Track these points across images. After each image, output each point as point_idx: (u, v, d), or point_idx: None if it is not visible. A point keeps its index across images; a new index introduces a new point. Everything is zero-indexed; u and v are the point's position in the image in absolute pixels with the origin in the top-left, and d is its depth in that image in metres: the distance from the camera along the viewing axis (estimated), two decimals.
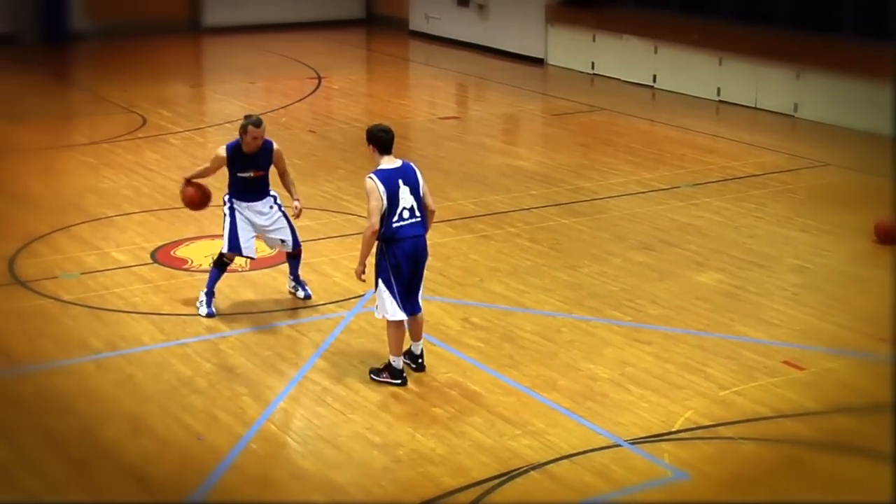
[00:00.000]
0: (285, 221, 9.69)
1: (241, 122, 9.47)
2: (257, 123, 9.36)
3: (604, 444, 7.57)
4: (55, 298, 9.86)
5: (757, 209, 12.77)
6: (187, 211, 10.32)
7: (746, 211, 12.70)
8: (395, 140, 8.35)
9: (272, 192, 9.75)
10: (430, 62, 21.88)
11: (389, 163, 8.22)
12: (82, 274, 10.43)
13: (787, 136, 16.37)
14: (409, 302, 8.31)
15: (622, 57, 19.92)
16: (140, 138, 15.44)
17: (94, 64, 21.96)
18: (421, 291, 8.44)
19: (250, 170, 9.48)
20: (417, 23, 24.17)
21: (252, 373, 8.56)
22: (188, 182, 9.81)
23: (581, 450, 7.48)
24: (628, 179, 13.88)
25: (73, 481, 7.12)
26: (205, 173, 9.79)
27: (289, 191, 9.82)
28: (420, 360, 8.57)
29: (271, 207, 9.69)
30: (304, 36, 23.86)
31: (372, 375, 8.44)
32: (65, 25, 22.69)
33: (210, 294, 9.58)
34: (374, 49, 24.06)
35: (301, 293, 9.94)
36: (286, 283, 10.09)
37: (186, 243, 11.28)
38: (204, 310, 9.53)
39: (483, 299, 10.00)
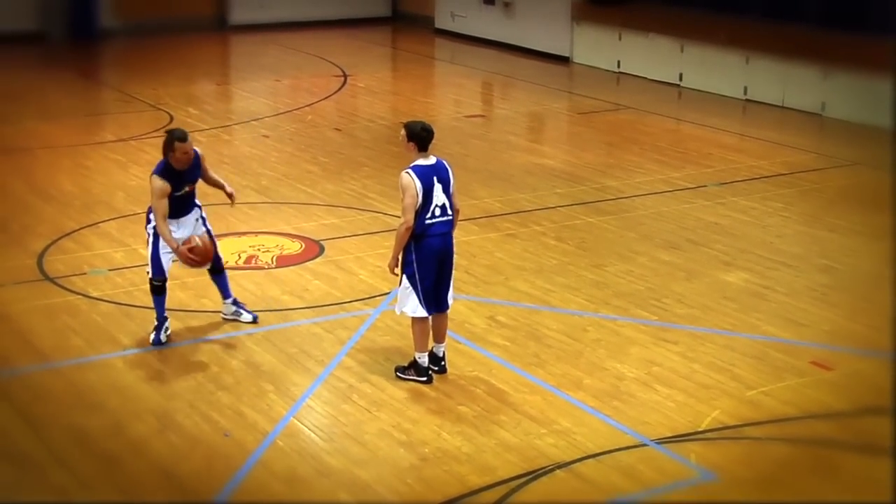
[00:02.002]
0: (208, 237, 9.06)
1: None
2: (183, 137, 8.71)
3: (630, 444, 7.55)
4: (84, 295, 9.92)
5: (784, 208, 12.70)
6: (214, 208, 10.34)
7: (774, 210, 12.64)
8: None
9: (198, 203, 9.17)
10: (456, 60, 21.87)
11: (426, 159, 8.21)
12: (110, 270, 10.49)
13: (815, 135, 16.28)
14: (434, 300, 8.31)
15: (648, 55, 19.86)
16: None
17: (121, 61, 22.09)
18: (451, 289, 8.44)
19: (185, 185, 8.86)
20: (443, 21, 24.17)
21: (278, 370, 8.59)
22: (180, 248, 8.81)
23: (607, 449, 7.46)
24: (654, 178, 13.84)
25: (101, 477, 7.16)
26: (164, 218, 8.75)
27: (219, 186, 9.28)
28: (442, 363, 8.50)
29: (197, 220, 9.10)
30: (330, 34, 23.91)
31: (398, 374, 8.46)
32: (93, 23, 22.83)
33: (162, 320, 8.98)
34: (400, 47, 24.08)
35: (246, 316, 9.35)
36: (221, 309, 9.44)
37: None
38: (153, 336, 8.92)
39: (509, 298, 10.00)
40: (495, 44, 22.53)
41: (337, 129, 16.14)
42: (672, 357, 8.86)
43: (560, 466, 7.26)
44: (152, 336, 8.96)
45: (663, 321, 9.55)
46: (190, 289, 10.09)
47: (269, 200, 12.74)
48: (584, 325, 9.46)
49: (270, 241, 11.36)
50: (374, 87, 19.27)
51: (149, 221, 8.97)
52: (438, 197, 8.16)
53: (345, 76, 19.88)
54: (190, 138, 8.85)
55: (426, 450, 7.45)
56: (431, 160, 8.22)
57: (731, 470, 7.31)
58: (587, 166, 14.36)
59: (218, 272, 9.35)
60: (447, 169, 8.29)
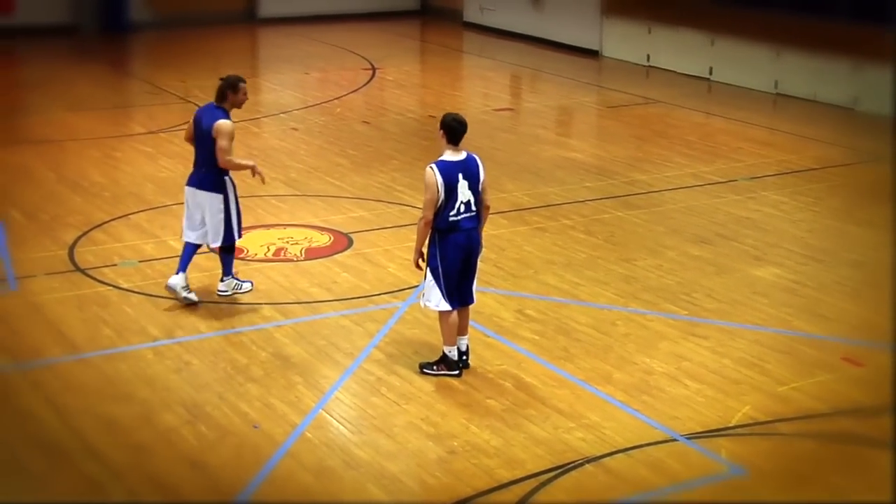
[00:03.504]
0: None
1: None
2: (244, 79, 9.35)
3: (659, 439, 7.52)
4: (114, 286, 9.97)
5: (815, 203, 12.62)
6: (243, 201, 10.36)
7: (804, 205, 12.55)
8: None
9: None
10: (485, 54, 21.83)
11: (454, 154, 8.15)
12: (140, 262, 10.55)
13: (846, 130, 16.14)
14: (458, 294, 8.27)
15: (678, 49, 19.75)
16: None
17: (151, 54, 22.20)
18: (475, 283, 8.42)
19: None
20: (472, 14, 24.13)
21: (307, 362, 8.61)
22: (256, 166, 9.63)
23: (636, 444, 7.44)
24: (684, 172, 13.77)
25: (131, 466, 7.21)
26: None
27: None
28: (465, 357, 8.45)
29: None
30: (358, 27, 23.92)
31: (424, 370, 8.38)
32: (124, 16, 22.95)
33: (230, 275, 9.75)
34: (429, 40, 24.06)
35: (246, 285, 9.80)
36: (219, 287, 9.77)
37: (242, 232, 11.34)
38: (246, 285, 9.77)
39: (538, 291, 9.97)
40: (524, 37, 22.47)
41: (365, 121, 16.15)
42: (701, 352, 8.82)
43: (589, 460, 7.24)
44: (248, 285, 9.76)
45: (693, 316, 9.50)
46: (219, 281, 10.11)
47: (298, 193, 12.77)
48: (614, 320, 9.43)
49: (299, 233, 11.38)
50: (402, 81, 19.27)
51: (221, 190, 9.39)
52: (464, 193, 8.09)
53: (373, 69, 19.89)
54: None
55: (455, 443, 7.45)
56: (461, 155, 8.16)
57: (760, 465, 7.27)
58: (616, 160, 14.31)
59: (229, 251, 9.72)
60: (477, 165, 8.22)
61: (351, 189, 12.92)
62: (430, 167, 8.09)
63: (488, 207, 8.38)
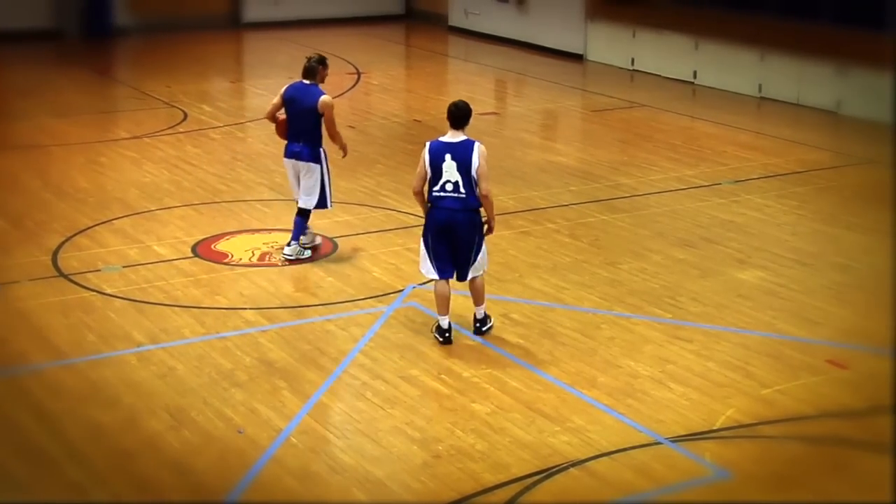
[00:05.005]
0: None
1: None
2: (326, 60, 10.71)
3: (644, 442, 7.53)
4: (98, 291, 9.94)
5: (799, 206, 12.66)
6: (228, 205, 10.38)
7: (789, 208, 12.59)
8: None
9: None
10: (470, 58, 21.86)
11: (451, 136, 8.72)
12: (124, 267, 10.52)
13: (830, 133, 16.21)
14: (449, 267, 8.81)
15: (662, 53, 19.81)
16: (181, 133, 15.54)
17: (136, 59, 22.15)
18: (470, 266, 8.82)
19: None
20: (457, 18, 24.16)
21: (292, 367, 8.59)
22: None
23: (621, 447, 7.45)
24: (668, 176, 13.80)
25: (115, 472, 7.18)
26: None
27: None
28: (477, 325, 9.00)
29: None
30: (343, 32, 23.91)
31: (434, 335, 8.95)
32: (107, 21, 22.89)
33: (297, 240, 10.66)
34: (414, 45, 24.08)
35: (306, 253, 10.68)
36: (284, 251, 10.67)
37: (227, 237, 11.35)
38: (308, 252, 10.67)
39: (522, 295, 9.98)
40: (509, 41, 22.51)
41: (350, 126, 16.13)
42: (686, 355, 8.84)
43: (574, 464, 7.24)
44: (293, 245, 10.59)
45: (677, 319, 9.52)
46: (204, 286, 10.11)
47: (283, 198, 12.74)
48: (598, 323, 9.44)
49: (284, 238, 11.35)
50: (387, 85, 19.27)
51: (319, 161, 10.47)
52: (450, 173, 8.61)
53: (358, 74, 19.89)
54: None
55: (440, 447, 7.45)
56: (457, 138, 8.70)
57: (745, 468, 7.28)
58: (601, 164, 14.34)
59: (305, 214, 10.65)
60: (471, 150, 8.65)
61: (336, 193, 12.84)
62: (426, 143, 8.79)
63: (486, 197, 8.70)
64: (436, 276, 8.84)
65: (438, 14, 24.59)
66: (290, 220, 11.87)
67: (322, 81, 10.60)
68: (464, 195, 8.62)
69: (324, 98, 10.41)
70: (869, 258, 11.09)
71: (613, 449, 7.42)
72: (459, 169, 8.58)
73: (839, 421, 7.97)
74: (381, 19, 25.18)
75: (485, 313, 9.06)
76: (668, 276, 10.48)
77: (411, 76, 20.95)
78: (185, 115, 16.45)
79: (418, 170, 8.76)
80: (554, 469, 7.19)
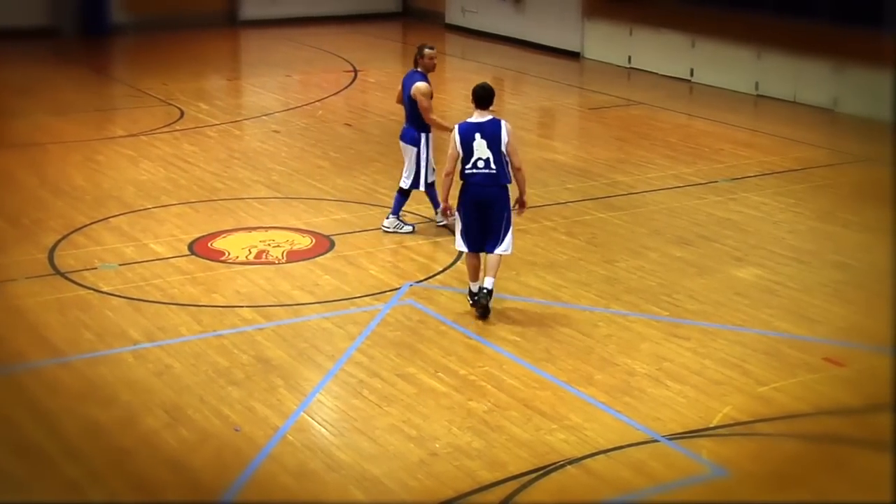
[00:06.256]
0: None
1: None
2: (431, 46, 11.16)
3: (641, 440, 7.53)
4: (95, 289, 9.93)
5: (796, 204, 12.66)
6: (224, 203, 10.37)
7: (786, 206, 12.60)
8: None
9: None
10: (467, 56, 21.85)
11: (479, 117, 9.21)
12: (121, 265, 10.51)
13: (827, 131, 16.21)
14: (476, 241, 9.26)
15: (659, 51, 19.81)
16: (178, 131, 15.53)
17: (132, 57, 22.12)
18: (499, 240, 9.21)
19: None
20: (454, 16, 24.15)
21: (289, 364, 8.59)
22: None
23: (618, 445, 7.45)
24: (665, 174, 13.80)
25: (113, 470, 7.17)
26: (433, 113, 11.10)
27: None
28: (483, 290, 9.27)
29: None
30: (340, 30, 23.91)
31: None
32: (104, 19, 22.87)
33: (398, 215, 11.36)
34: (411, 43, 24.01)
35: (406, 227, 11.32)
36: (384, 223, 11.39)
37: (224, 235, 11.34)
38: (407, 228, 11.31)
39: (519, 293, 9.98)
40: (506, 39, 22.50)
41: (347, 124, 16.13)
42: (683, 353, 8.84)
43: (571, 462, 7.24)
44: (391, 217, 11.31)
45: (674, 317, 9.52)
46: (200, 284, 10.10)
47: (280, 195, 12.75)
48: (595, 321, 9.44)
49: (281, 236, 11.36)
50: (384, 83, 19.25)
51: (416, 144, 11.07)
52: (481, 151, 9.11)
53: (355, 72, 19.88)
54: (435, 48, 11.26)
55: (436, 445, 7.45)
56: (484, 118, 9.20)
57: (742, 466, 7.28)
58: (598, 162, 14.34)
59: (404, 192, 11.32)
60: (499, 127, 9.16)
61: (333, 191, 12.91)
62: (455, 126, 9.32)
63: (519, 169, 9.28)
64: (464, 249, 9.38)
65: (435, 12, 24.58)
66: (286, 218, 11.92)
67: (425, 69, 11.12)
68: (494, 171, 9.13)
69: (416, 85, 10.99)
70: (866, 256, 11.09)
71: (610, 447, 7.42)
72: (490, 146, 9.09)
73: (836, 419, 7.97)
74: (378, 17, 25.17)
75: (492, 284, 9.32)
76: (665, 274, 10.48)
77: None
78: (182, 113, 16.43)
79: (449, 152, 9.20)
80: (551, 467, 7.19)
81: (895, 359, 8.61)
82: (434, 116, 11.12)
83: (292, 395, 8.11)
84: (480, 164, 9.14)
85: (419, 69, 11.24)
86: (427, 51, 11.10)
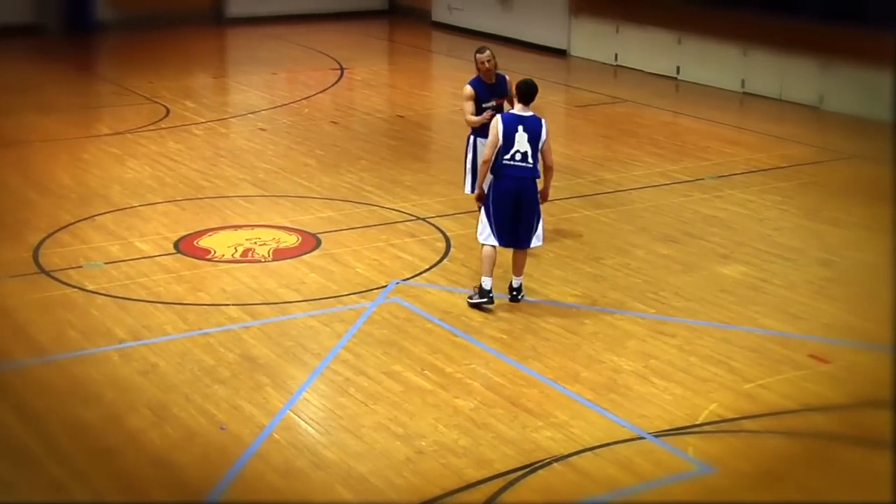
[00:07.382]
0: None
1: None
2: (480, 50, 10.59)
3: (627, 437, 7.54)
4: (80, 288, 9.90)
5: (783, 201, 12.69)
6: (210, 202, 10.34)
7: (772, 203, 12.62)
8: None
9: None
10: (453, 53, 21.82)
11: (521, 111, 9.37)
12: (107, 263, 10.47)
13: (813, 128, 16.25)
14: (510, 235, 9.39)
15: (645, 48, 19.83)
16: (164, 129, 15.48)
17: (118, 54, 22.04)
18: (533, 230, 9.39)
19: (493, 98, 10.43)
20: (440, 14, 24.13)
21: (275, 363, 8.57)
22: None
23: (604, 442, 7.45)
24: (652, 171, 13.82)
25: (98, 469, 7.15)
26: (471, 115, 10.45)
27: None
28: (514, 293, 9.57)
29: None
30: (326, 27, 23.87)
31: (469, 301, 9.47)
32: (89, 16, 22.78)
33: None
34: (397, 40, 24.04)
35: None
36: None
37: (210, 233, 11.31)
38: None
39: (506, 290, 9.96)
40: (492, 37, 22.41)
41: (333, 122, 16.10)
42: (669, 350, 8.85)
43: (557, 459, 7.24)
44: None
45: (660, 314, 9.53)
46: (186, 282, 10.07)
47: (266, 193, 12.72)
48: (582, 318, 9.44)
49: (267, 234, 11.34)
50: (370, 81, 19.24)
51: (466, 145, 10.53)
52: (521, 143, 9.23)
53: (341, 69, 19.84)
54: (488, 52, 10.58)
55: (423, 443, 7.44)
56: (527, 113, 9.36)
57: (728, 463, 7.30)
58: (584, 159, 14.34)
59: None
60: (540, 124, 9.33)
61: (319, 189, 12.88)
62: (497, 116, 9.44)
63: (550, 168, 9.50)
64: (494, 244, 9.41)
65: (422, 9, 24.56)
66: (272, 216, 11.89)
67: (481, 73, 10.59)
68: (531, 165, 9.29)
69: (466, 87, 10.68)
70: (852, 253, 11.12)
71: (597, 444, 7.42)
72: (530, 140, 9.24)
73: (822, 415, 7.99)
74: (364, 15, 25.14)
75: (521, 283, 9.62)
76: (651, 272, 10.49)
77: (394, 72, 20.92)
78: (168, 111, 16.38)
79: (489, 139, 9.34)
80: (537, 464, 7.19)
81: (895, 358, 8.60)
82: (469, 117, 10.50)
83: (278, 393, 8.09)
84: (518, 156, 9.26)
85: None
86: (477, 55, 10.68)
